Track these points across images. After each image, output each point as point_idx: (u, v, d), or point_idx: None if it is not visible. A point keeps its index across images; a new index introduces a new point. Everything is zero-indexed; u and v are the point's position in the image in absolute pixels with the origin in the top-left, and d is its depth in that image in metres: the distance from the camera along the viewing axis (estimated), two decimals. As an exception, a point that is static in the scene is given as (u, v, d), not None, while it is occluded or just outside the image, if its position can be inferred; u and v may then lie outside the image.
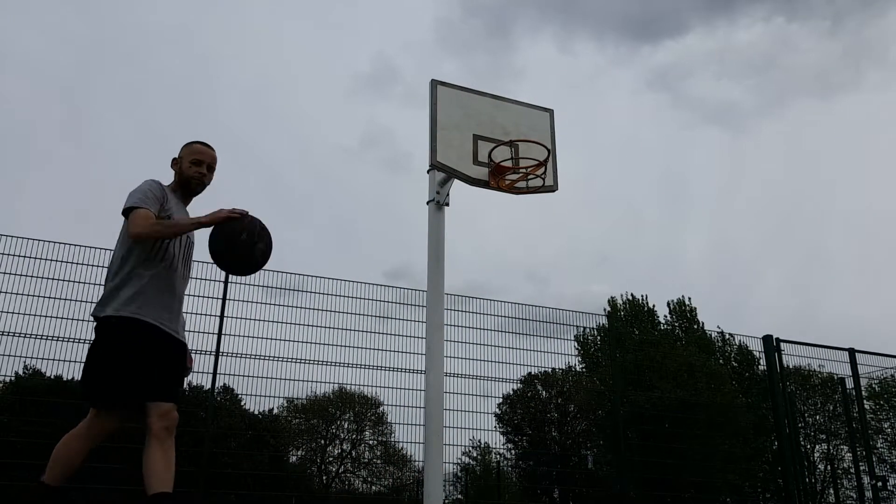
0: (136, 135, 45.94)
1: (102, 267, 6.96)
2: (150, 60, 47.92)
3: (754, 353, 11.64)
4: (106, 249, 7.00)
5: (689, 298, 22.87)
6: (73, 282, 6.84)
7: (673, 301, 22.99)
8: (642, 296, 23.10)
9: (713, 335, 18.49)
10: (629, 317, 22.18)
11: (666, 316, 22.66)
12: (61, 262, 6.86)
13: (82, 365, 2.98)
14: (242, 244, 2.95)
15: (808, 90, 55.16)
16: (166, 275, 3.01)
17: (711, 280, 43.72)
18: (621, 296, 23.26)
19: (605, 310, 22.12)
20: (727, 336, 17.65)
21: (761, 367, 11.41)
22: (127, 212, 2.94)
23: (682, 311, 22.66)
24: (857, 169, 49.97)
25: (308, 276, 7.71)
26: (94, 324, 2.97)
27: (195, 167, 3.16)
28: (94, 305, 3.00)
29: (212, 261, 3.02)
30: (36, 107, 45.55)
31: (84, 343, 6.74)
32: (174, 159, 3.21)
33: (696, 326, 21.82)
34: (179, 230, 3.00)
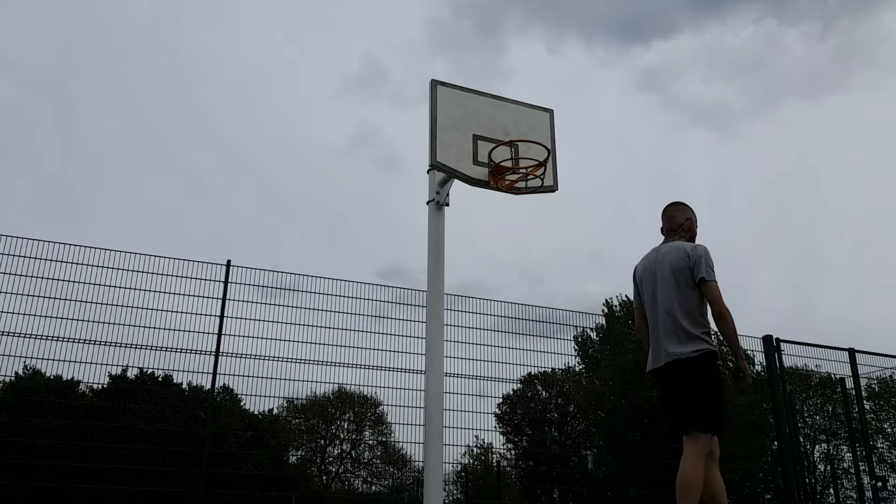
0: (124, 133, 45.96)
1: (101, 267, 6.97)
2: (136, 58, 47.93)
3: (748, 353, 11.61)
4: (105, 249, 7.01)
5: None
6: (74, 282, 6.84)
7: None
8: (636, 297, 23.07)
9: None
10: (626, 318, 22.15)
11: None
12: (61, 262, 6.86)
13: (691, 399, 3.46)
14: None
15: (798, 91, 55.33)
16: None
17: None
18: (616, 297, 23.26)
19: (602, 311, 22.11)
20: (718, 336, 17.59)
21: (756, 368, 11.41)
22: (705, 281, 3.53)
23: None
24: (849, 169, 50.11)
25: (307, 276, 7.71)
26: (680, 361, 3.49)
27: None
28: (670, 348, 3.55)
29: None
30: (24, 105, 45.52)
31: (83, 343, 6.75)
32: (689, 218, 3.89)
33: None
34: (735, 343, 3.57)
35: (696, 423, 3.36)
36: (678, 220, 3.88)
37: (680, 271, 3.59)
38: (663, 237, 3.98)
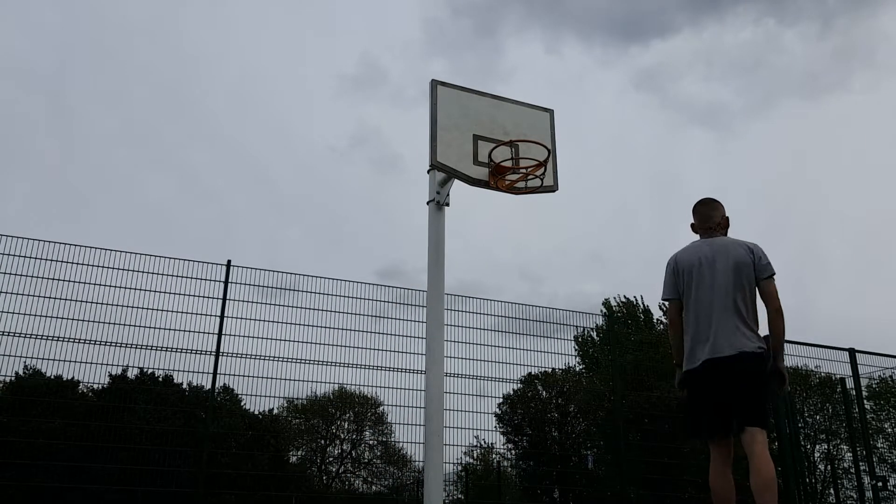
0: (123, 133, 45.98)
1: (101, 267, 6.98)
2: (134, 58, 47.95)
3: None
4: (105, 249, 7.02)
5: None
6: (74, 282, 6.85)
7: (664, 303, 22.81)
8: (635, 297, 23.06)
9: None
10: (625, 318, 22.11)
11: (659, 319, 22.58)
12: (61, 262, 6.86)
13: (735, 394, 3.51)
14: None
15: (796, 91, 55.44)
16: None
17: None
18: (615, 297, 23.22)
19: (601, 311, 22.08)
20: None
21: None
22: (771, 277, 3.64)
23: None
24: (849, 169, 50.17)
25: (307, 276, 7.72)
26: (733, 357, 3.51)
27: None
28: (725, 343, 3.56)
29: None
30: (23, 105, 45.53)
31: (83, 343, 6.75)
32: (724, 216, 3.90)
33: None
34: (783, 343, 3.70)
35: (765, 418, 3.46)
36: (716, 219, 3.88)
37: (744, 267, 3.62)
38: (698, 235, 3.91)
